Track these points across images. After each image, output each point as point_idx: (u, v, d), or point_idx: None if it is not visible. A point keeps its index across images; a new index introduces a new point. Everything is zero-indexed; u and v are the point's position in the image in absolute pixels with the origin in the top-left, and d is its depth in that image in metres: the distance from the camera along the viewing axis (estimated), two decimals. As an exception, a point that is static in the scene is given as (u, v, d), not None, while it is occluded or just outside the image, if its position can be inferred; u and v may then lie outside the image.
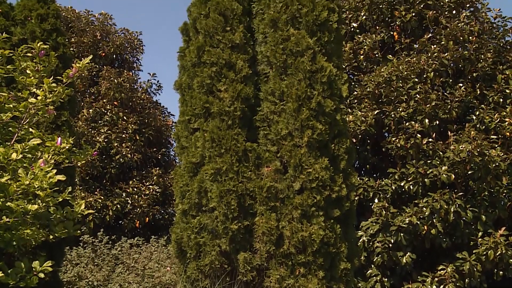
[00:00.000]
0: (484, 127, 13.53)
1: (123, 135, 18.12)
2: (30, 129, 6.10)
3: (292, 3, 9.19)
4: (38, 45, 6.13)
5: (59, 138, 5.92)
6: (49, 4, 10.89)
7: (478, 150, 12.40)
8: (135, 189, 17.91)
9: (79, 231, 6.14)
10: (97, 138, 17.61)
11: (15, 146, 5.62)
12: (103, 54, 19.95)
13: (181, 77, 9.84)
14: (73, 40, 19.31)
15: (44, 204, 5.47)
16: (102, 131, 17.90)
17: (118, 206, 17.27)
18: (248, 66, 9.29)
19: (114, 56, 20.51)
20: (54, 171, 5.52)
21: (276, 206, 8.75)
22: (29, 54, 6.16)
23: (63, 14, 19.77)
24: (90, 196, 16.91)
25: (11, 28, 10.69)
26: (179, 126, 9.70)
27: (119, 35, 20.87)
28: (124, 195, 17.70)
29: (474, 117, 13.74)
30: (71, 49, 17.35)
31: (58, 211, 5.85)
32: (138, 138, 18.53)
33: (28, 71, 6.08)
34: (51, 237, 5.98)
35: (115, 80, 18.66)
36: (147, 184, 18.24)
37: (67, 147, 5.91)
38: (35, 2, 10.83)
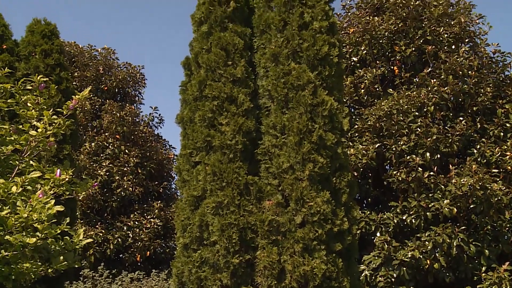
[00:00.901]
0: (485, 160, 13.53)
1: (125, 169, 18.13)
2: (31, 162, 6.11)
3: (293, 37, 9.29)
4: (38, 78, 6.18)
5: (58, 170, 5.92)
6: (53, 40, 11.05)
7: (480, 184, 12.37)
8: (136, 223, 17.84)
9: (79, 263, 6.09)
10: (99, 171, 17.62)
11: (16, 179, 5.62)
12: (106, 88, 20.11)
13: (183, 110, 9.90)
14: (76, 74, 19.49)
15: (43, 235, 5.44)
16: (104, 164, 17.91)
17: (119, 239, 17.18)
18: (250, 99, 9.36)
19: (117, 90, 20.67)
20: (53, 201, 5.50)
21: (277, 240, 8.70)
22: (29, 87, 6.21)
23: (67, 49, 19.99)
24: (91, 230, 16.84)
25: (15, 63, 10.83)
26: (181, 160, 9.71)
27: (122, 69, 21.06)
28: (125, 228, 17.62)
29: (475, 151, 13.74)
30: (74, 83, 17.50)
31: (57, 242, 5.81)
32: (139, 171, 18.53)
33: (28, 104, 6.12)
34: (50, 271, 5.93)
35: (117, 114, 18.76)
36: (148, 217, 18.17)
37: (66, 179, 5.90)
38: (40, 38, 10.99)
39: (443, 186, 12.84)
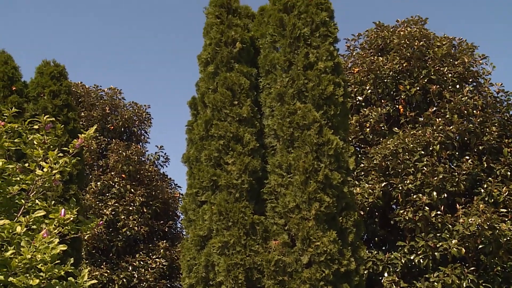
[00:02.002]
0: (492, 200, 13.43)
1: (131, 208, 18.07)
2: (37, 201, 6.10)
3: (299, 77, 9.38)
4: (45, 118, 6.23)
5: (63, 210, 5.91)
6: (62, 81, 11.20)
7: (488, 223, 12.26)
8: (142, 263, 17.68)
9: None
10: (105, 210, 17.56)
11: (20, 218, 5.61)
12: (112, 127, 20.21)
13: (189, 150, 9.93)
14: (82, 114, 19.63)
15: (47, 276, 5.39)
16: (110, 203, 17.87)
17: (124, 280, 17.00)
18: (255, 139, 9.39)
19: (123, 129, 20.75)
20: (57, 240, 5.47)
21: (284, 281, 8.60)
22: (36, 127, 6.26)
23: (73, 89, 20.18)
24: (96, 270, 16.68)
25: (24, 104, 10.95)
26: (187, 199, 9.70)
27: (128, 108, 21.19)
28: (130, 268, 17.46)
29: (482, 190, 13.66)
30: (81, 123, 17.61)
31: (61, 283, 5.75)
32: (145, 210, 18.47)
33: (35, 143, 6.16)
34: (53, 314, 5.85)
35: (123, 153, 18.80)
36: (153, 257, 18.02)
37: (71, 218, 5.89)
38: (48, 79, 11.14)
39: (450, 226, 12.73)
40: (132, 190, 18.60)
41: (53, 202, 9.34)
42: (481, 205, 12.80)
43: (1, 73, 11.42)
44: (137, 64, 45.93)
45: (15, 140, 6.21)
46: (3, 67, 11.55)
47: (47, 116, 6.26)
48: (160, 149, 21.40)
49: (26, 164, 6.17)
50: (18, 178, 6.03)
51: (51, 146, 6.22)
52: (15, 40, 41.64)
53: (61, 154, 6.09)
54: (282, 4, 9.99)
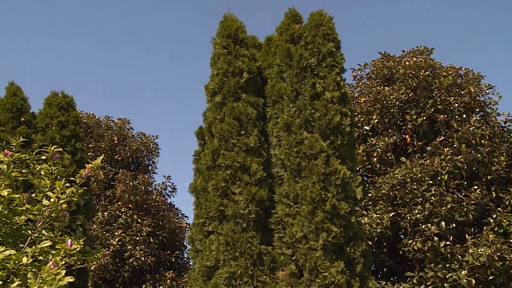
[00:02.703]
0: (502, 230, 13.32)
1: (137, 238, 18.01)
2: (43, 231, 6.10)
3: (306, 107, 9.41)
4: (52, 148, 6.26)
5: (70, 240, 5.90)
6: (70, 112, 11.29)
7: (498, 254, 12.13)
8: (148, 294, 17.54)
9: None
10: (111, 241, 17.51)
11: (27, 249, 5.60)
12: (120, 158, 20.27)
13: (196, 180, 9.93)
14: (91, 145, 19.71)
15: (54, 308, 5.35)
16: (116, 234, 17.81)
17: (130, 311, 16.86)
18: (263, 169, 9.38)
19: (130, 159, 20.81)
20: (64, 272, 5.44)
21: (291, 312, 8.50)
22: (44, 157, 6.29)
23: (84, 120, 20.31)
24: (101, 301, 16.55)
25: (32, 135, 11.02)
26: (194, 229, 9.66)
27: (136, 139, 21.28)
28: (136, 299, 17.32)
29: (492, 220, 13.55)
30: (89, 153, 17.68)
31: (67, 316, 5.70)
32: (152, 240, 18.39)
33: (42, 172, 6.18)
34: None
35: (131, 183, 18.81)
36: (160, 288, 17.88)
37: (78, 249, 5.86)
38: (57, 110, 11.24)
39: (460, 256, 12.60)
40: (139, 220, 18.56)
41: (59, 232, 9.34)
42: (490, 236, 12.68)
43: (10, 105, 11.54)
44: (145, 94, 46.27)
45: (23, 171, 6.24)
46: (12, 98, 11.68)
47: (55, 146, 6.30)
48: (167, 179, 21.41)
49: (34, 195, 6.18)
50: (25, 208, 6.04)
51: (58, 177, 6.24)
52: (24, 71, 42.11)
53: (68, 184, 6.11)
54: (289, 34, 10.08)
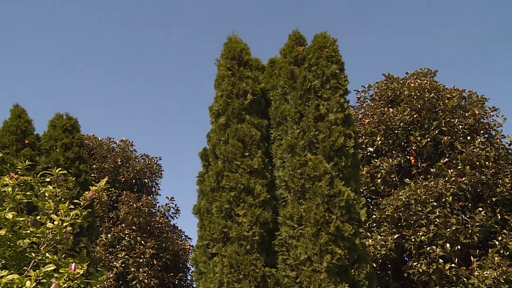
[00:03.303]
0: (508, 253, 13.21)
1: (141, 260, 17.92)
2: (47, 254, 6.08)
3: (309, 129, 9.42)
4: (57, 171, 6.27)
5: (73, 264, 5.87)
6: (74, 134, 11.34)
7: (504, 277, 12.03)
8: (151, 316, 17.40)
9: None
10: (115, 263, 17.43)
11: (30, 273, 5.57)
12: (123, 179, 20.26)
13: (200, 201, 9.91)
14: (94, 166, 19.72)
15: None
16: (120, 256, 17.74)
17: (133, 334, 16.71)
18: (267, 190, 9.37)
19: (134, 181, 20.80)
20: (65, 296, 5.40)
21: (295, 336, 8.42)
22: (48, 180, 6.29)
23: (86, 142, 20.35)
24: (104, 324, 16.42)
25: (36, 157, 11.04)
26: (197, 251, 9.62)
27: (139, 160, 21.29)
28: (139, 322, 17.17)
29: (497, 243, 13.46)
30: (92, 175, 17.67)
31: None
32: (155, 262, 18.30)
33: (46, 195, 6.17)
34: None
35: (134, 205, 18.78)
36: (163, 311, 17.75)
37: (81, 273, 5.84)
38: (61, 132, 11.28)
39: (465, 279, 12.50)
40: (143, 242, 18.49)
41: (63, 255, 9.31)
42: (496, 258, 12.59)
43: (15, 127, 11.60)
44: (148, 115, 46.42)
45: (27, 193, 6.24)
46: (17, 121, 11.74)
47: (59, 169, 6.30)
48: (171, 201, 21.37)
49: (38, 217, 6.17)
50: (29, 231, 6.02)
51: (63, 199, 6.24)
52: (29, 92, 42.36)
53: (72, 207, 6.10)
54: (293, 56, 10.14)
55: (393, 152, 15.22)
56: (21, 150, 11.08)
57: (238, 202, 9.28)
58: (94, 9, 42.89)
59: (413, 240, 13.21)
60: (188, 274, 20.47)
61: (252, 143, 9.62)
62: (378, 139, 15.42)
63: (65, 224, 6.03)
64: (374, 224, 14.40)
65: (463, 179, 13.75)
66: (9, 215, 5.82)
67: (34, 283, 5.41)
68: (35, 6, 41.57)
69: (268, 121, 10.10)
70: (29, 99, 43.40)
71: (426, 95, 15.01)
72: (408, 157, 15.16)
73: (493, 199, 14.07)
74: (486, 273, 12.20)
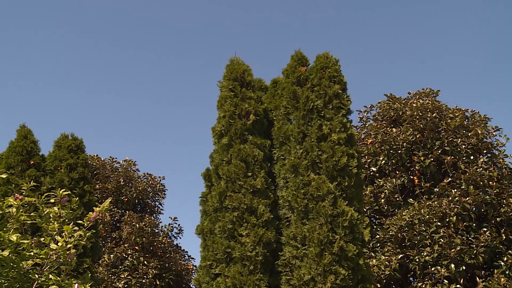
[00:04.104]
0: (514, 273, 13.13)
1: (143, 280, 17.83)
2: (50, 276, 6.07)
3: (312, 149, 9.44)
4: (61, 192, 6.28)
5: (76, 285, 5.86)
6: (79, 154, 11.37)
7: (510, 297, 11.95)
8: (154, 338, 17.28)
9: None
10: (117, 284, 17.34)
11: (34, 294, 5.56)
12: (126, 199, 20.24)
13: (203, 221, 9.90)
14: (97, 186, 19.72)
15: None
16: (122, 276, 17.66)
17: None
18: (270, 210, 9.36)
19: (137, 201, 20.77)
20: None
21: None
22: (52, 201, 6.30)
23: (89, 161, 20.37)
24: None
25: (41, 178, 11.06)
26: (201, 272, 9.59)
27: (142, 180, 21.28)
28: None
29: (502, 263, 13.38)
30: (95, 195, 17.67)
31: None
32: (158, 283, 18.21)
33: (51, 216, 6.18)
34: None
35: (137, 225, 18.74)
36: (165, 332, 17.61)
37: (84, 293, 5.82)
38: (66, 152, 11.32)
39: (470, 300, 12.40)
40: (145, 262, 18.42)
41: (66, 276, 9.28)
42: (502, 279, 12.52)
43: (20, 148, 11.63)
44: (151, 135, 46.52)
45: (31, 214, 6.24)
46: (23, 141, 11.77)
47: (63, 190, 6.32)
48: (174, 221, 21.32)
49: (42, 239, 6.17)
50: (33, 253, 6.02)
51: (67, 220, 6.24)
52: (32, 111, 42.56)
53: (76, 228, 6.10)
54: (295, 77, 10.20)
55: (397, 172, 15.21)
56: (26, 171, 11.11)
57: (241, 222, 9.27)
58: (95, 31, 43.26)
59: (417, 260, 13.15)
60: (191, 295, 20.34)
61: (255, 163, 9.64)
62: (381, 159, 15.42)
63: (68, 245, 6.03)
64: (378, 244, 14.34)
65: (467, 199, 13.71)
66: (13, 237, 5.82)
67: (37, 305, 5.39)
68: (40, 26, 41.96)
69: (271, 141, 10.13)
70: (34, 118, 43.57)
71: (429, 115, 15.04)
72: (412, 177, 15.15)
73: (498, 219, 14.02)
74: (491, 294, 12.12)
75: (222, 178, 9.76)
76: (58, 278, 6.06)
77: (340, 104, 9.96)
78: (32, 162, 11.21)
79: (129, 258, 18.35)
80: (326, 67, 10.20)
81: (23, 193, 6.21)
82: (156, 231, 20.21)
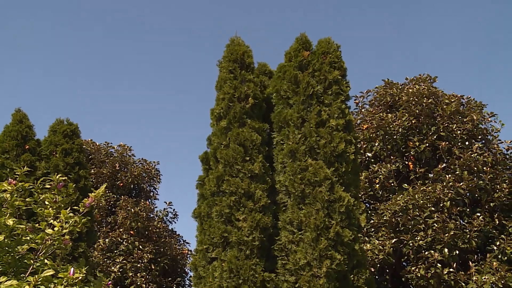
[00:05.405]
0: (506, 258, 13.22)
1: (138, 265, 17.88)
2: (46, 261, 6.06)
3: (311, 134, 9.43)
4: (57, 177, 6.25)
5: (72, 269, 5.85)
6: (74, 139, 11.33)
7: (503, 282, 12.04)
8: (149, 321, 17.35)
9: None
10: (112, 268, 17.38)
11: (29, 278, 5.55)
12: (121, 184, 20.22)
13: (200, 205, 9.90)
14: (92, 171, 19.68)
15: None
16: (118, 260, 17.69)
17: None
18: (267, 195, 9.37)
19: (132, 186, 20.77)
20: (64, 299, 5.38)
21: None
22: (48, 186, 6.27)
23: (84, 147, 20.31)
24: (102, 329, 16.35)
25: (36, 162, 11.01)
26: (197, 255, 9.61)
27: (137, 165, 21.25)
28: (137, 327, 17.12)
29: (495, 248, 13.47)
30: (90, 180, 17.65)
31: None
32: (153, 267, 18.26)
33: (46, 202, 6.16)
34: None
35: (132, 210, 18.74)
36: (160, 316, 17.70)
37: (80, 278, 5.82)
38: (61, 137, 11.27)
39: (463, 284, 12.50)
40: (140, 246, 18.45)
41: (61, 260, 9.28)
42: (494, 263, 12.60)
43: (15, 132, 11.57)
44: (146, 120, 46.40)
45: (26, 199, 6.22)
46: (18, 126, 11.71)
47: (59, 175, 6.29)
48: (169, 205, 21.33)
49: (37, 224, 6.15)
50: (28, 238, 6.00)
51: (62, 205, 6.22)
52: (27, 96, 42.34)
53: (71, 214, 6.09)
54: (298, 61, 10.12)
55: (392, 157, 15.24)
56: (21, 156, 11.06)
57: (238, 206, 9.28)
58: (91, 14, 42.94)
59: (411, 244, 13.22)
60: (186, 279, 20.43)
61: (253, 147, 9.63)
62: (376, 144, 15.44)
63: (64, 231, 6.01)
64: (372, 229, 14.40)
65: (461, 184, 13.77)
66: (9, 222, 5.80)
67: (33, 288, 5.38)
68: (39, 10, 41.61)
69: (270, 125, 10.11)
70: (30, 103, 43.37)
71: (425, 101, 15.04)
72: (407, 163, 15.18)
73: (491, 204, 14.09)
74: (484, 278, 12.21)
75: (220, 162, 9.75)
76: (54, 263, 6.06)
77: (339, 90, 9.94)
78: (27, 146, 11.17)
79: (124, 242, 18.37)
80: (327, 53, 10.16)
81: (18, 178, 6.18)
82: (151, 216, 20.23)
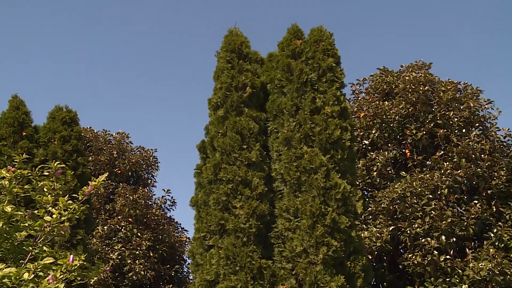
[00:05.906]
0: (503, 245, 13.29)
1: (137, 252, 17.96)
2: (44, 248, 6.10)
3: (305, 122, 9.45)
4: (55, 164, 6.27)
5: (71, 256, 5.90)
6: (73, 127, 11.33)
7: (499, 268, 12.11)
8: (147, 308, 17.47)
9: None
10: (111, 255, 17.46)
11: (28, 265, 5.60)
12: (119, 171, 20.26)
13: (197, 193, 9.94)
14: (90, 159, 19.70)
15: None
16: (116, 248, 17.77)
17: (130, 326, 16.77)
18: (264, 183, 9.40)
19: (130, 173, 20.80)
20: (62, 285, 5.43)
21: (292, 327, 8.48)
22: (46, 173, 6.29)
23: (82, 134, 20.31)
24: (101, 316, 16.46)
25: (33, 149, 11.02)
26: (194, 243, 9.66)
27: (135, 152, 21.28)
28: (135, 314, 17.23)
29: (492, 235, 13.54)
30: (88, 167, 17.68)
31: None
32: (151, 254, 18.34)
33: (45, 189, 6.18)
34: None
35: (130, 197, 18.80)
36: (159, 302, 17.80)
37: (78, 265, 5.86)
38: (60, 124, 11.27)
39: (460, 271, 12.58)
40: (139, 234, 18.52)
41: (60, 247, 9.32)
42: (491, 250, 12.67)
43: (12, 119, 11.56)
44: (144, 108, 46.36)
45: (25, 186, 6.24)
46: (15, 112, 11.69)
47: (58, 162, 6.31)
48: (167, 193, 21.38)
49: (36, 211, 6.18)
50: (27, 224, 6.04)
51: (61, 192, 6.25)
52: (26, 82, 42.25)
53: (70, 202, 6.11)
54: (290, 50, 10.15)
55: (389, 145, 15.27)
56: (19, 142, 11.07)
57: (235, 194, 9.32)
58: (91, 5, 42.75)
59: (408, 232, 13.28)
60: (184, 266, 20.53)
61: (250, 136, 9.65)
62: (373, 132, 15.46)
63: (63, 218, 6.05)
64: (370, 217, 14.46)
65: (459, 171, 13.80)
66: (8, 209, 5.84)
67: (32, 275, 5.43)
68: (36, 2, 41.42)
69: (267, 114, 10.13)
70: (28, 90, 43.30)
71: (421, 88, 15.04)
72: (404, 150, 15.21)
73: (489, 191, 14.14)
74: (481, 265, 12.28)
75: (217, 150, 9.78)
76: (52, 250, 6.09)
77: (333, 77, 9.95)
78: (25, 133, 11.17)
79: (122, 230, 18.44)
80: (320, 40, 10.17)
81: (16, 165, 6.20)
82: (150, 203, 20.28)
